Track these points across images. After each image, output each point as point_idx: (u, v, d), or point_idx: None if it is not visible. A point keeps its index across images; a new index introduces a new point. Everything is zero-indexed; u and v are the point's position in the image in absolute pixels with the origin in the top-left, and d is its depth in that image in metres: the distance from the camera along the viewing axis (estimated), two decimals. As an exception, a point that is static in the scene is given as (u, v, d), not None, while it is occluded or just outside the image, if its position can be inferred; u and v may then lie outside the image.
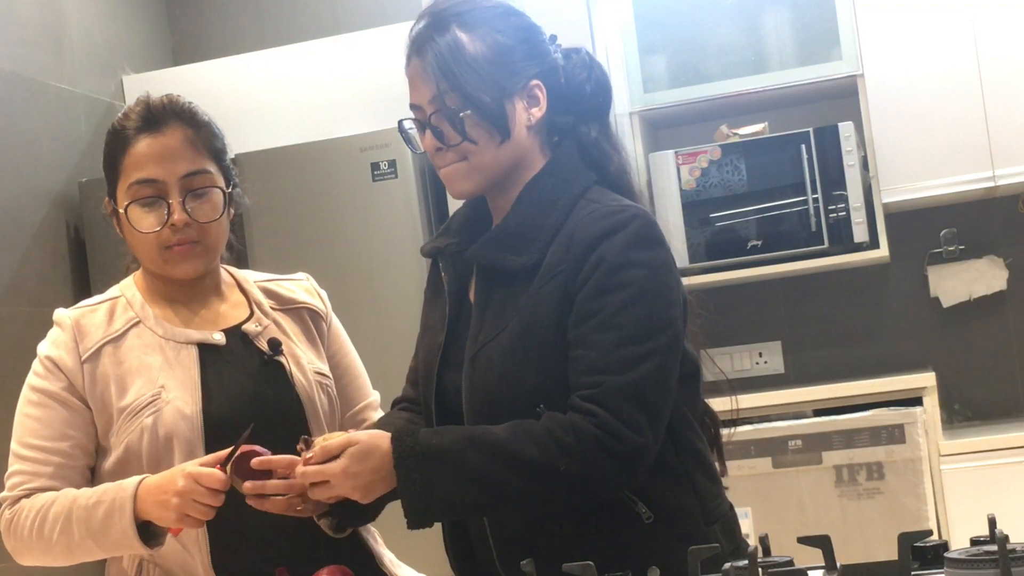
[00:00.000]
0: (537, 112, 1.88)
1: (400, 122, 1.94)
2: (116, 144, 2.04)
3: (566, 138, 1.92)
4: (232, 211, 2.10)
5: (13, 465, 2.02)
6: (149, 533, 1.91)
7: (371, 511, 1.88)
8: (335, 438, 1.78)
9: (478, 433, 1.76)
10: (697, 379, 1.91)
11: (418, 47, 1.86)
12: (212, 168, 2.05)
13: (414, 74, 1.87)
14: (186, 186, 2.02)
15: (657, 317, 1.76)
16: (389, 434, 1.77)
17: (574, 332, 1.77)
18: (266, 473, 1.83)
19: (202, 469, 1.84)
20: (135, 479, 1.92)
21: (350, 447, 1.75)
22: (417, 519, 1.74)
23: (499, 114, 1.83)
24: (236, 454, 1.84)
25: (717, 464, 1.96)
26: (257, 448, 1.86)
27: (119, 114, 2.08)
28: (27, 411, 2.03)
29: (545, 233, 1.82)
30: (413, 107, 1.90)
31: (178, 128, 2.03)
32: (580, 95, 1.92)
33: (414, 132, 1.93)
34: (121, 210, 2.02)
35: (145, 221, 2.01)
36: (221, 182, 2.06)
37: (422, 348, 1.98)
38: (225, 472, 1.84)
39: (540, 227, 1.83)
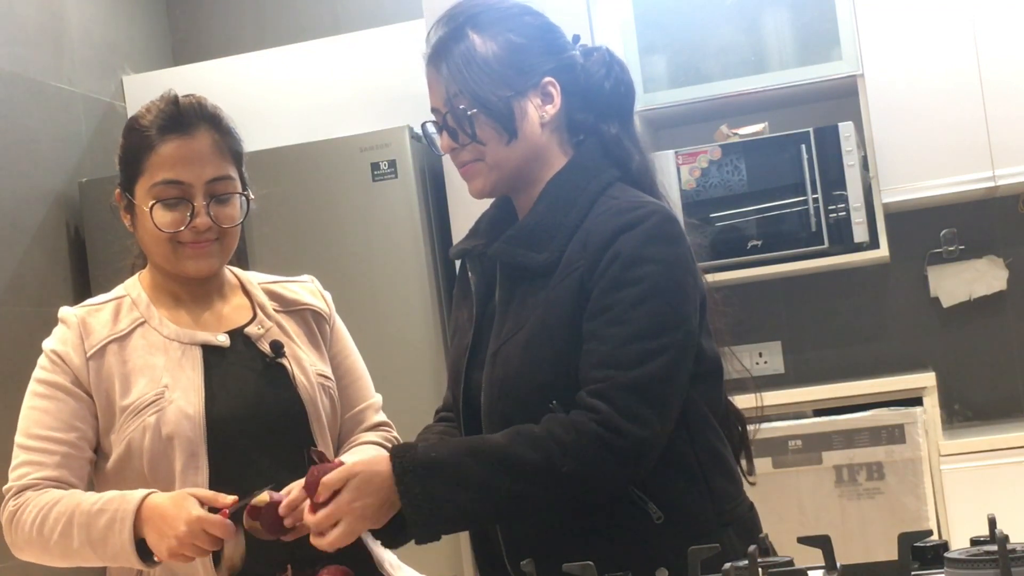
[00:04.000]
0: (551, 109, 1.88)
1: (423, 125, 1.97)
2: (139, 141, 2.04)
3: (589, 136, 1.92)
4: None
5: (18, 456, 2.01)
6: (148, 549, 1.91)
7: (400, 537, 1.85)
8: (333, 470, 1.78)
9: (477, 443, 1.77)
10: (718, 377, 1.91)
11: (433, 52, 1.89)
12: (234, 173, 2.07)
13: (430, 78, 1.90)
14: (211, 191, 2.03)
15: (670, 314, 1.77)
16: (387, 454, 1.77)
17: (588, 326, 1.78)
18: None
19: (210, 516, 1.83)
20: (140, 493, 1.92)
21: (352, 479, 1.75)
22: (423, 534, 1.75)
23: (506, 114, 1.84)
24: (254, 504, 1.83)
25: (744, 463, 1.96)
26: (275, 496, 1.84)
27: (142, 108, 2.07)
28: (33, 403, 2.03)
29: (565, 230, 1.83)
30: (433, 110, 1.92)
31: (206, 132, 2.04)
32: (599, 92, 1.93)
33: (436, 135, 1.95)
34: (146, 208, 2.02)
35: (166, 219, 2.02)
36: (240, 187, 2.08)
37: (452, 350, 1.99)
38: (228, 518, 1.82)
39: (560, 224, 1.84)
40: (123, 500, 1.92)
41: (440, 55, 1.88)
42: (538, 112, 1.88)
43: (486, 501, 1.74)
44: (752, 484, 1.96)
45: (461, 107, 1.86)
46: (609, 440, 1.71)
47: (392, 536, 1.83)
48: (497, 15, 1.89)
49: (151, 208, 2.02)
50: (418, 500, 1.72)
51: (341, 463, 1.82)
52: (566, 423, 1.73)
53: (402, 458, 1.74)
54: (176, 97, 2.07)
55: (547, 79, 1.88)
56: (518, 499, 1.74)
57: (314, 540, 1.78)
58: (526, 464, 1.71)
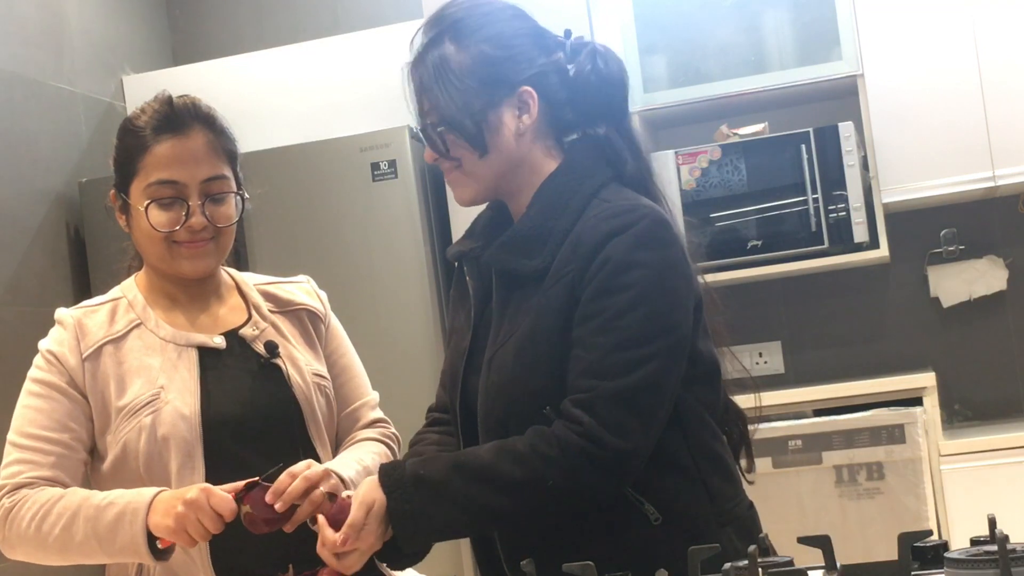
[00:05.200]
0: (527, 120, 1.86)
1: (418, 131, 1.95)
2: (134, 142, 2.05)
3: (579, 137, 1.91)
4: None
5: (11, 455, 2.01)
6: (155, 545, 1.91)
7: (404, 561, 1.86)
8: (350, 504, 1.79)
9: (463, 459, 1.77)
10: (715, 378, 1.90)
11: (412, 63, 1.89)
12: (228, 173, 2.08)
13: (414, 87, 1.90)
14: (205, 190, 2.04)
15: (659, 321, 1.75)
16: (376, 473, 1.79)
17: (576, 332, 1.77)
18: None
19: (217, 490, 1.84)
20: (154, 489, 1.92)
21: (371, 510, 1.76)
22: (411, 547, 1.78)
23: (473, 131, 1.83)
24: (253, 489, 1.84)
25: (744, 462, 1.96)
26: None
27: (136, 110, 2.08)
28: (28, 402, 2.03)
29: (556, 235, 1.82)
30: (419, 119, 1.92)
31: (201, 132, 2.05)
32: (586, 92, 1.90)
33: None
34: (141, 208, 2.03)
35: (161, 219, 2.03)
36: (235, 186, 2.08)
37: (449, 352, 1.99)
38: (238, 504, 1.83)
39: (552, 229, 1.82)
40: (136, 494, 1.92)
41: (416, 66, 1.88)
42: (514, 123, 1.85)
43: (472, 517, 1.75)
44: (750, 483, 1.95)
45: (431, 123, 1.86)
46: (591, 452, 1.71)
47: (396, 561, 1.84)
48: (479, 21, 1.86)
49: (147, 208, 2.02)
50: (407, 517, 1.74)
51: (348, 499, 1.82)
52: (549, 436, 1.73)
53: (390, 476, 1.76)
54: (170, 98, 2.07)
55: (524, 88, 1.85)
56: (503, 514, 1.75)
57: (334, 564, 1.79)
58: (511, 480, 1.72)
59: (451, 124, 1.84)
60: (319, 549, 1.79)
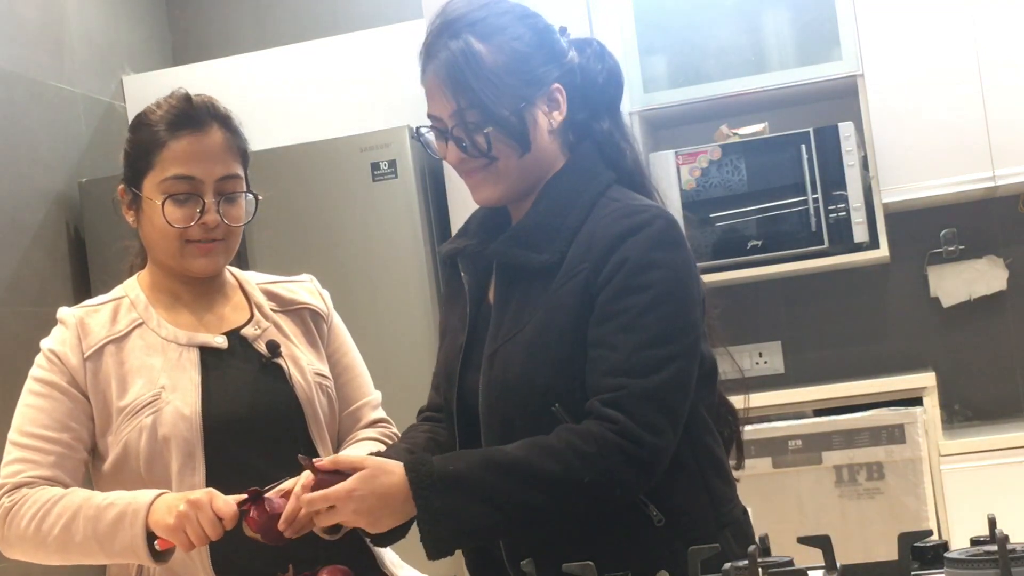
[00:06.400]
0: (558, 115, 1.86)
1: (418, 129, 1.92)
2: (149, 136, 2.05)
3: (584, 136, 1.91)
4: None
5: (11, 453, 2.01)
6: (155, 547, 1.90)
7: (400, 530, 1.81)
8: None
9: (495, 455, 1.73)
10: (714, 378, 1.90)
11: (433, 58, 1.84)
12: (242, 173, 2.09)
13: (431, 86, 1.85)
14: (220, 188, 2.04)
15: (679, 320, 1.76)
16: (401, 463, 1.72)
17: (595, 332, 1.76)
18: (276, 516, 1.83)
19: (221, 496, 1.84)
20: (156, 491, 1.92)
21: (358, 470, 1.72)
22: (439, 549, 1.70)
23: (520, 128, 1.82)
24: (254, 502, 1.83)
25: (735, 458, 1.96)
26: (274, 500, 1.83)
27: (151, 105, 2.08)
28: (29, 401, 2.04)
29: (565, 231, 1.81)
30: (432, 117, 1.87)
31: (218, 130, 2.06)
32: (593, 88, 1.91)
33: (432, 138, 1.91)
34: (157, 202, 2.03)
35: (176, 215, 2.03)
36: (246, 187, 2.09)
37: (443, 351, 1.97)
38: (241, 515, 1.83)
39: (560, 225, 1.82)
40: (137, 494, 1.92)
41: (444, 65, 1.82)
42: (547, 119, 1.85)
43: (505, 515, 1.70)
44: (736, 480, 1.95)
45: (472, 122, 1.82)
46: (629, 450, 1.70)
47: (381, 537, 1.80)
48: (498, 21, 1.84)
49: (163, 203, 2.02)
50: (438, 515, 1.68)
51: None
52: (585, 434, 1.71)
53: (418, 472, 1.70)
54: (188, 95, 2.08)
55: (555, 86, 1.86)
56: (537, 511, 1.71)
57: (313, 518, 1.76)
58: (547, 476, 1.69)
59: (498, 122, 1.81)
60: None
